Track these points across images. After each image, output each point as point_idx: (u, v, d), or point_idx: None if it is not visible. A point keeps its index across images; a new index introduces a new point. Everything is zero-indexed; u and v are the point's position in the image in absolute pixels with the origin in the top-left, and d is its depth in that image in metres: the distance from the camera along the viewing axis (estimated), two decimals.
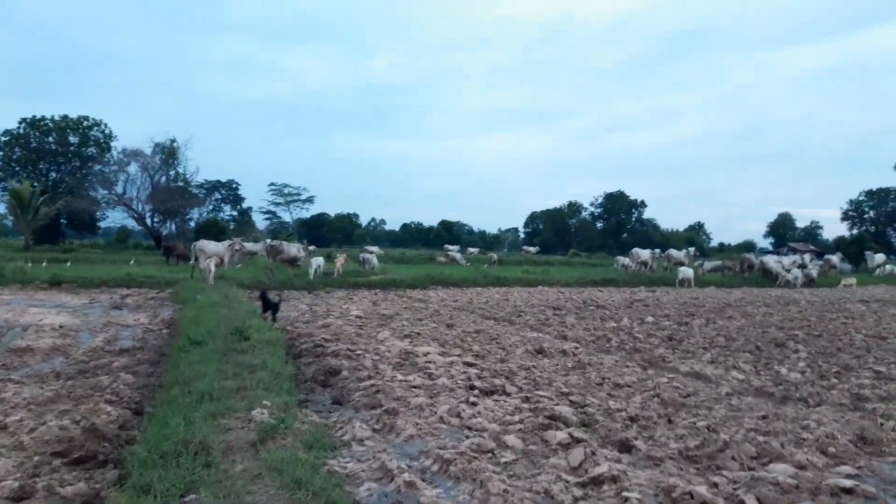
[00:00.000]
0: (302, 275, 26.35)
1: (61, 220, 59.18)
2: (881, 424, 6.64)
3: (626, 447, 5.85)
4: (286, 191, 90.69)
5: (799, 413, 7.14)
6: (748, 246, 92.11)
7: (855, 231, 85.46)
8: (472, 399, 7.28)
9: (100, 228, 64.21)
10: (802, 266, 36.88)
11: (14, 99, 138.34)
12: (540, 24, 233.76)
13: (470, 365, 9.53)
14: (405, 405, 7.10)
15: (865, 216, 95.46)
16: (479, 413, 6.78)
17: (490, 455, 5.58)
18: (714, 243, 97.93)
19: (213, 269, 21.61)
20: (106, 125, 60.92)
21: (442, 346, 11.34)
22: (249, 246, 32.60)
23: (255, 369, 8.07)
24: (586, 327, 14.48)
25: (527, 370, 9.22)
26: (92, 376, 8.48)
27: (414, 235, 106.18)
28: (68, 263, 31.95)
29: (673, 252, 35.99)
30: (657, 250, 36.50)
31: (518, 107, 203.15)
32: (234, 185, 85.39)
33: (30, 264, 27.35)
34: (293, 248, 26.57)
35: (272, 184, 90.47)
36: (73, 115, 59.71)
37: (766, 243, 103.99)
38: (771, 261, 36.54)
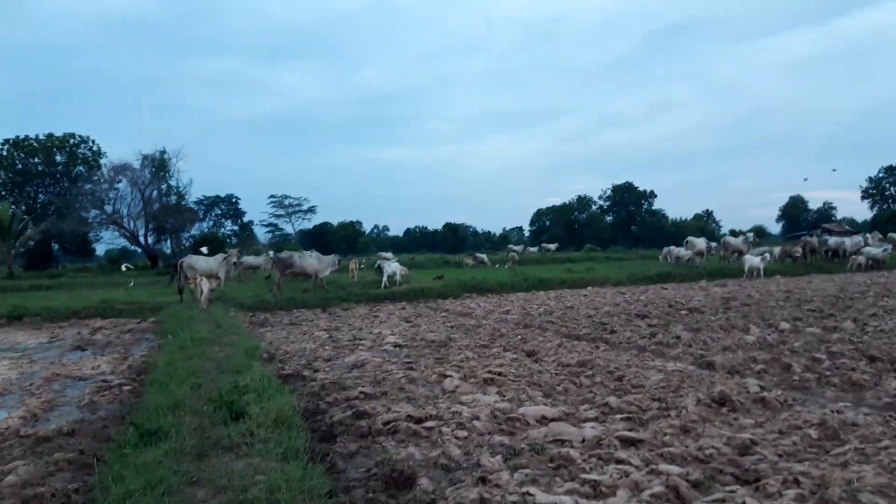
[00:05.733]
0: (317, 289, 22.25)
1: (53, 245, 55.40)
2: None
3: None
4: (287, 202, 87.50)
5: None
6: (760, 231, 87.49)
7: (876, 209, 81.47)
8: None
9: (95, 251, 60.53)
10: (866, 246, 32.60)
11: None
12: (527, 26, 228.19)
13: (633, 443, 5.39)
14: None
15: (886, 193, 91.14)
16: None
17: None
18: (724, 230, 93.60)
19: (205, 290, 17.51)
20: (94, 142, 57.28)
21: (549, 396, 7.19)
22: (250, 260, 28.73)
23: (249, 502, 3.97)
24: (725, 346, 10.20)
25: (750, 453, 5.05)
26: None
27: (419, 240, 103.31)
28: (47, 290, 28.12)
29: (730, 239, 31.57)
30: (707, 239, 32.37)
31: (512, 108, 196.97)
32: (233, 200, 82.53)
33: None
34: (308, 260, 22.24)
35: (272, 196, 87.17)
36: (59, 134, 56.07)
37: (777, 228, 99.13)
38: (840, 242, 32.23)
